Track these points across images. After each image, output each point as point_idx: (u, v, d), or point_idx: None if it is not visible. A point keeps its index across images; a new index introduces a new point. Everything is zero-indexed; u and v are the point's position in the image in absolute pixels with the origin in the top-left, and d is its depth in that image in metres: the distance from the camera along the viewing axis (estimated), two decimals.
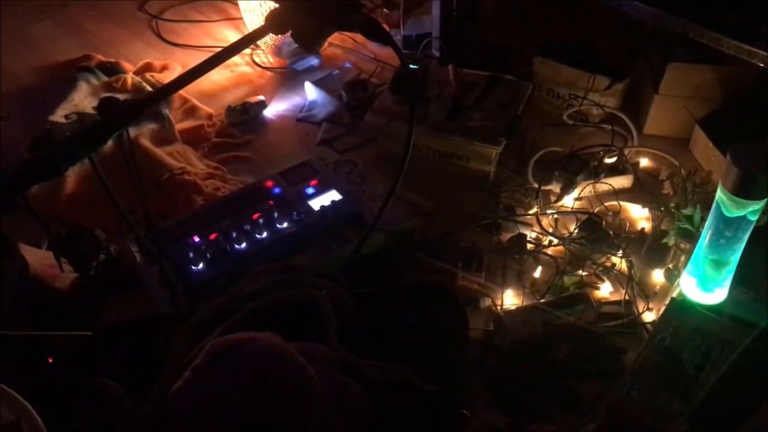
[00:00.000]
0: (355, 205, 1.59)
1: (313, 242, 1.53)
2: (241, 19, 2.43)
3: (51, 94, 2.16)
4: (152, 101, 1.45)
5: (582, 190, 1.75)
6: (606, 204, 1.73)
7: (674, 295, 1.44)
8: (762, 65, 1.54)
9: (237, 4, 2.44)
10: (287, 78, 2.30)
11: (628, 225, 1.68)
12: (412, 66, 1.97)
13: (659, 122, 1.93)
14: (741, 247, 1.29)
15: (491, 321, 1.48)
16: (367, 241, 1.43)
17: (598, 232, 1.61)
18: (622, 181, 1.77)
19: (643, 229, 1.66)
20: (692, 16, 1.60)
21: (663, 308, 1.36)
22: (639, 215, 1.71)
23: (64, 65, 2.37)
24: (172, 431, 0.83)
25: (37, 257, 1.44)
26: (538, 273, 1.57)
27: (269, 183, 1.64)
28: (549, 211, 1.71)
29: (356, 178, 1.71)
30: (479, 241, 1.63)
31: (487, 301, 1.51)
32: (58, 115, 2.03)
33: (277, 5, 1.11)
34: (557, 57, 1.97)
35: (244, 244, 1.48)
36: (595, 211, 1.71)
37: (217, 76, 2.29)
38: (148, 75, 2.26)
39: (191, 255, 1.45)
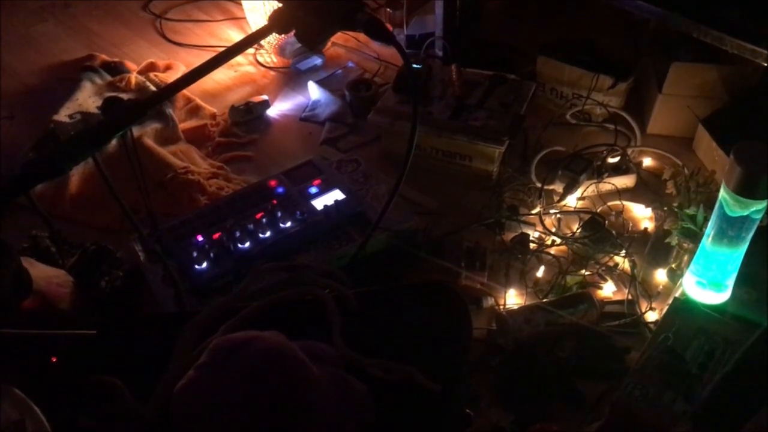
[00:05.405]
0: (359, 204, 1.60)
1: (316, 241, 1.53)
2: (245, 18, 2.44)
3: (55, 94, 2.17)
4: (156, 101, 1.45)
5: (585, 190, 1.75)
6: (609, 203, 1.73)
7: (677, 294, 1.44)
8: (765, 64, 1.54)
9: (240, 4, 2.44)
10: (290, 77, 2.30)
11: (631, 225, 1.68)
12: (415, 65, 1.97)
13: (662, 122, 1.93)
14: (744, 246, 1.29)
15: (494, 320, 1.48)
16: (371, 240, 1.44)
17: (600, 231, 1.61)
18: (625, 181, 1.77)
19: (646, 228, 1.66)
20: (696, 16, 1.60)
21: (666, 308, 1.36)
22: (642, 215, 1.71)
23: (67, 65, 2.38)
24: (175, 429, 0.83)
25: (46, 274, 1.42)
26: (541, 272, 1.58)
27: (272, 182, 1.65)
28: (552, 211, 1.71)
29: (359, 177, 1.71)
30: (482, 240, 1.63)
31: (490, 301, 1.52)
32: (62, 115, 2.03)
33: (280, 5, 1.11)
34: (560, 56, 1.97)
35: (247, 244, 1.48)
36: (598, 210, 1.71)
37: (220, 75, 2.29)
38: (151, 74, 2.26)
39: (195, 254, 1.45)
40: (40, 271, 1.39)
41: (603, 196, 1.75)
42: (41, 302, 1.36)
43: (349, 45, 2.41)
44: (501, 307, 1.51)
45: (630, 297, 1.50)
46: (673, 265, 1.54)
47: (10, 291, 1.25)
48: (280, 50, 2.32)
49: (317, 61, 2.34)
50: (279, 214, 1.53)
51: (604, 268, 1.57)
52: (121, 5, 2.70)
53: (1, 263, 1.22)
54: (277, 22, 1.10)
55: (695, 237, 1.52)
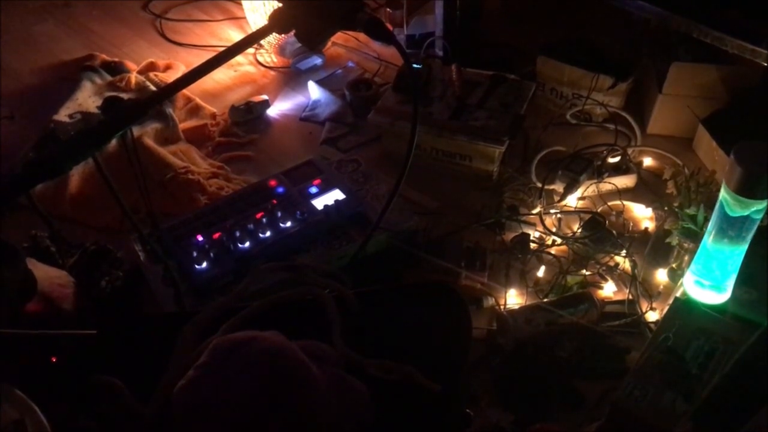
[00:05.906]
0: (359, 204, 1.59)
1: (316, 241, 1.53)
2: (245, 18, 2.44)
3: (55, 94, 2.17)
4: (156, 100, 1.45)
5: (585, 190, 1.75)
6: (609, 203, 1.73)
7: (678, 294, 1.44)
8: (766, 64, 1.54)
9: (240, 4, 2.44)
10: (290, 77, 2.30)
11: (631, 224, 1.68)
12: (415, 65, 1.97)
13: (663, 122, 1.93)
14: (745, 246, 1.29)
15: (495, 320, 1.48)
16: (371, 240, 1.44)
17: (601, 231, 1.61)
18: (625, 181, 1.77)
19: (646, 228, 1.66)
20: (696, 16, 1.60)
21: (666, 308, 1.36)
22: (642, 215, 1.71)
23: (68, 65, 2.38)
24: (175, 429, 0.83)
25: (48, 275, 1.42)
26: (541, 272, 1.58)
27: (272, 182, 1.65)
28: (552, 211, 1.71)
29: (359, 177, 1.71)
30: (482, 240, 1.63)
31: (491, 301, 1.52)
32: (63, 115, 2.03)
33: (280, 4, 1.11)
34: (561, 56, 1.97)
35: (247, 243, 1.48)
36: (599, 210, 1.71)
37: (220, 75, 2.29)
38: (151, 74, 2.26)
39: (195, 254, 1.45)
40: (42, 272, 1.39)
41: (603, 196, 1.75)
42: (45, 304, 1.36)
43: (349, 45, 2.41)
44: (501, 307, 1.51)
45: (630, 297, 1.50)
46: (674, 265, 1.54)
47: (16, 294, 1.25)
48: (280, 50, 2.32)
49: (317, 60, 2.34)
50: (279, 214, 1.53)
51: (604, 268, 1.57)
52: (121, 5, 2.70)
53: (9, 267, 1.22)
54: (277, 22, 1.10)
55: (696, 237, 1.52)
